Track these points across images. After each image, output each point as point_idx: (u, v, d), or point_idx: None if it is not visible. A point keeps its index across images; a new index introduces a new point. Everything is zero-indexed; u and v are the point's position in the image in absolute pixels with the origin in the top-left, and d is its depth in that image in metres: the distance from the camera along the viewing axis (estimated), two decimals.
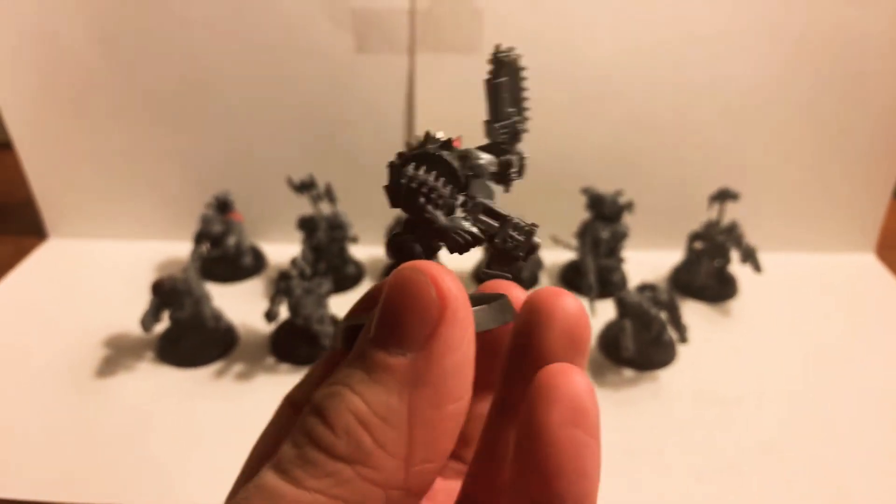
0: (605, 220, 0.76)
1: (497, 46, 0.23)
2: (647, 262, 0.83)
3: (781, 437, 0.59)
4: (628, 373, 0.66)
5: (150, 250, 0.86)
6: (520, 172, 0.24)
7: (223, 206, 0.80)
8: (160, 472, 0.54)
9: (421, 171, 0.22)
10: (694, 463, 0.56)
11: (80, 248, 0.87)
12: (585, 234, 0.76)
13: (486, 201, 0.23)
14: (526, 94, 0.24)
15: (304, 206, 0.78)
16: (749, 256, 0.75)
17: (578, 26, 0.74)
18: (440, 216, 0.23)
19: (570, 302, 0.24)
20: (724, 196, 0.76)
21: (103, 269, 0.83)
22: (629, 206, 0.76)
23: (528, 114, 0.24)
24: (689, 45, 0.75)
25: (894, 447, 0.58)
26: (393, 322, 0.19)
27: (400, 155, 0.23)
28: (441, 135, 0.23)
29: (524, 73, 0.24)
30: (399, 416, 0.19)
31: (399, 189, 0.23)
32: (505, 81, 0.23)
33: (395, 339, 0.19)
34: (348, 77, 0.77)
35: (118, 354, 0.68)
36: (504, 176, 0.24)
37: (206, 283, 0.70)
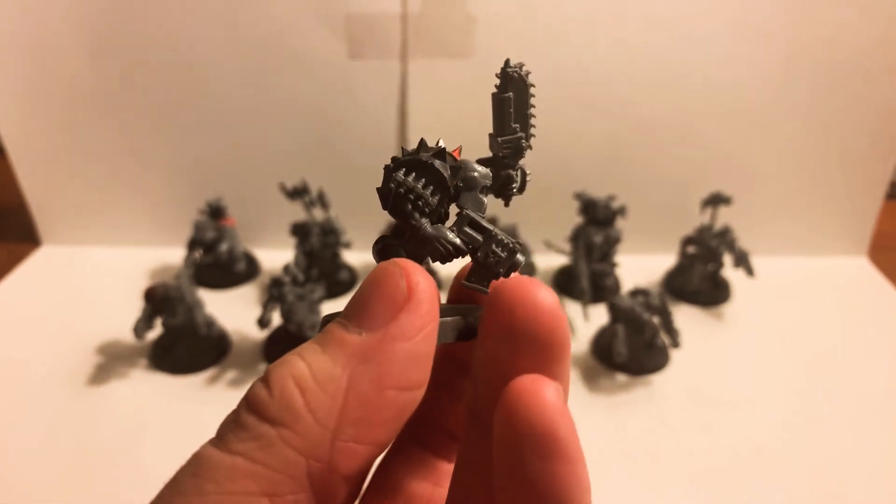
0: (597, 224, 0.76)
1: (507, 60, 0.23)
2: (641, 266, 0.83)
3: (775, 440, 0.59)
4: (621, 377, 0.66)
5: (143, 257, 0.86)
6: (521, 189, 0.24)
7: (216, 212, 0.80)
8: (153, 479, 0.54)
9: (410, 178, 0.23)
10: (687, 467, 0.57)
11: (73, 254, 0.87)
12: (578, 239, 0.77)
13: (473, 214, 0.23)
14: (533, 111, 0.24)
15: (297, 212, 0.78)
16: (742, 260, 0.75)
17: (571, 32, 0.74)
18: (425, 224, 0.23)
19: (541, 295, 0.20)
20: (716, 200, 0.76)
21: (96, 275, 0.83)
22: (622, 211, 0.76)
23: (533, 131, 0.24)
24: (682, 50, 0.76)
25: (888, 449, 0.59)
26: (359, 304, 0.20)
27: (394, 159, 0.23)
28: (442, 143, 0.23)
29: (533, 91, 0.24)
30: (336, 386, 0.19)
31: (388, 193, 0.23)
32: (511, 97, 0.23)
33: (356, 318, 0.20)
34: (341, 83, 0.78)
35: (111, 361, 0.67)
36: (504, 191, 0.24)
37: (198, 290, 0.70)
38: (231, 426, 0.19)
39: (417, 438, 0.27)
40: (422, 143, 0.23)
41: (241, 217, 0.83)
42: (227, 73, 0.77)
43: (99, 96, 0.79)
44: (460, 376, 0.27)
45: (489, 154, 0.25)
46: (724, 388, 0.65)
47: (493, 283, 0.23)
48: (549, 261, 0.83)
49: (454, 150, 0.24)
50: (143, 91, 0.79)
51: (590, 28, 0.74)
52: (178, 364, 0.66)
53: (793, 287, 0.82)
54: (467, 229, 0.23)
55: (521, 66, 0.23)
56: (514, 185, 0.24)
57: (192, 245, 0.78)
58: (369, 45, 0.75)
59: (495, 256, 0.23)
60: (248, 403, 0.19)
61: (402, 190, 0.23)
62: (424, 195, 0.23)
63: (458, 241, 0.23)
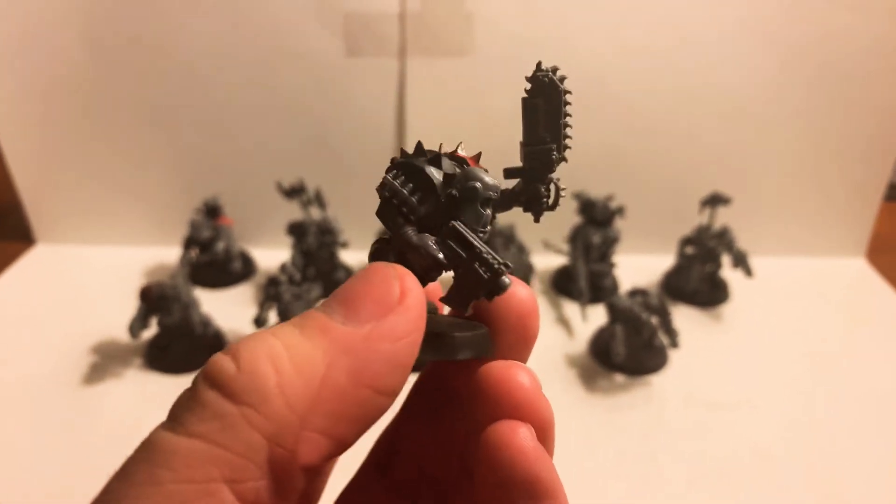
0: (596, 224, 0.76)
1: (539, 63, 0.21)
2: (639, 266, 0.83)
3: (773, 441, 0.59)
4: (620, 378, 0.66)
5: (138, 256, 0.85)
6: (553, 205, 0.22)
7: (212, 211, 0.79)
8: None
9: (397, 182, 0.21)
10: (686, 468, 0.56)
11: (68, 253, 0.87)
12: (577, 239, 0.76)
13: (461, 227, 0.21)
14: (568, 119, 0.22)
15: (293, 211, 0.77)
16: (740, 261, 0.75)
17: (569, 31, 0.74)
18: (408, 232, 0.21)
19: (521, 379, 0.21)
20: (715, 201, 0.76)
21: (91, 274, 0.82)
22: (620, 211, 0.75)
23: (568, 142, 0.22)
24: (680, 50, 0.75)
25: (887, 450, 0.58)
26: (349, 297, 0.19)
27: (393, 160, 0.22)
28: (462, 150, 0.22)
29: (569, 98, 0.22)
30: (314, 371, 0.18)
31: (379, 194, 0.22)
32: (539, 103, 0.21)
33: (342, 309, 0.19)
34: (339, 81, 0.77)
35: (106, 361, 0.67)
36: (533, 206, 0.22)
37: (194, 289, 0.69)
38: (188, 404, 0.17)
39: (381, 475, 0.26)
40: (418, 146, 0.22)
41: (238, 216, 0.82)
42: (225, 70, 0.77)
43: (95, 94, 0.78)
44: (440, 406, 0.26)
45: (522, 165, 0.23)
46: (723, 390, 0.65)
47: (475, 304, 0.22)
48: (548, 261, 0.83)
49: (471, 157, 0.22)
50: (140, 89, 0.78)
51: (589, 27, 0.74)
52: (174, 364, 0.66)
53: (791, 288, 0.82)
54: (451, 243, 0.21)
55: (554, 69, 0.22)
56: (544, 200, 0.22)
57: (189, 244, 0.78)
58: (367, 42, 0.75)
59: (476, 276, 0.21)
60: (210, 378, 0.17)
61: (386, 193, 0.21)
62: (409, 202, 0.21)
63: (439, 255, 0.21)
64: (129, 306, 0.67)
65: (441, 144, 0.22)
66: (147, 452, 0.17)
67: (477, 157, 0.22)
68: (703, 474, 0.56)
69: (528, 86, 0.22)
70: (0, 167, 0.84)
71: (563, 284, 0.80)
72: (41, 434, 0.59)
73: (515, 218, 0.78)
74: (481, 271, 0.21)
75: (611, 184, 0.79)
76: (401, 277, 0.20)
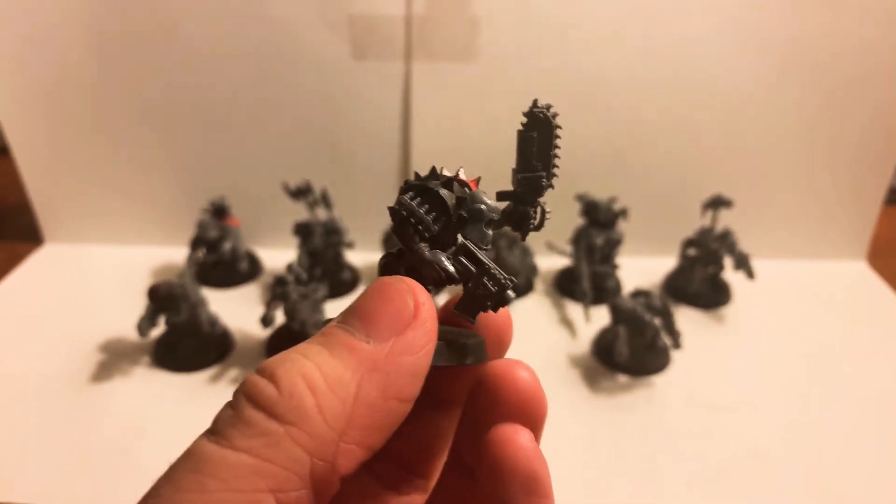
0: (599, 226, 0.76)
1: (535, 101, 0.24)
2: (642, 268, 0.84)
3: (774, 443, 0.60)
4: (622, 378, 0.66)
5: (146, 255, 0.86)
6: (538, 226, 0.25)
7: (219, 211, 0.80)
8: (156, 476, 0.54)
9: (415, 202, 0.23)
10: (686, 469, 0.57)
11: (76, 252, 0.87)
12: (580, 241, 0.77)
13: (471, 245, 0.24)
14: (557, 151, 0.24)
15: (300, 211, 0.78)
16: (742, 263, 0.76)
17: (574, 35, 0.75)
18: (423, 248, 0.24)
19: (521, 374, 0.24)
20: (717, 203, 0.77)
21: (99, 274, 0.83)
22: (623, 213, 0.76)
23: (556, 171, 0.24)
24: (683, 54, 0.76)
25: (887, 452, 0.59)
26: (367, 313, 0.21)
27: (406, 182, 0.24)
28: (462, 173, 0.24)
29: (559, 132, 0.24)
30: (347, 390, 0.20)
31: (394, 214, 0.24)
32: (534, 136, 0.24)
33: (364, 327, 0.21)
34: (345, 84, 0.78)
35: (114, 359, 0.68)
36: (521, 226, 0.25)
37: (202, 289, 0.70)
38: (233, 421, 0.19)
39: (366, 467, 0.27)
40: (433, 170, 0.24)
41: (245, 216, 0.83)
42: (231, 72, 0.78)
43: (103, 95, 0.79)
44: (424, 412, 0.27)
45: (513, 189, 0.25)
46: (724, 391, 0.66)
47: (481, 314, 0.24)
48: (551, 262, 0.83)
49: (472, 181, 0.24)
50: (148, 90, 0.79)
51: (593, 31, 0.75)
52: (182, 362, 0.67)
53: (792, 290, 0.82)
54: (462, 259, 0.24)
55: (548, 107, 0.24)
56: (531, 222, 0.25)
57: (196, 244, 0.79)
58: (373, 46, 0.76)
59: (485, 289, 0.24)
60: (253, 399, 0.19)
61: (404, 213, 0.23)
62: (426, 221, 0.23)
63: (451, 268, 0.23)
64: (137, 305, 0.68)
65: (442, 168, 0.24)
66: (193, 462, 0.18)
67: (477, 181, 0.25)
68: (704, 475, 0.56)
69: (524, 120, 0.24)
70: (9, 167, 0.85)
71: (566, 286, 0.80)
72: (49, 432, 0.59)
73: None
74: (489, 285, 0.24)
75: (614, 186, 0.80)
76: (413, 291, 0.21)
